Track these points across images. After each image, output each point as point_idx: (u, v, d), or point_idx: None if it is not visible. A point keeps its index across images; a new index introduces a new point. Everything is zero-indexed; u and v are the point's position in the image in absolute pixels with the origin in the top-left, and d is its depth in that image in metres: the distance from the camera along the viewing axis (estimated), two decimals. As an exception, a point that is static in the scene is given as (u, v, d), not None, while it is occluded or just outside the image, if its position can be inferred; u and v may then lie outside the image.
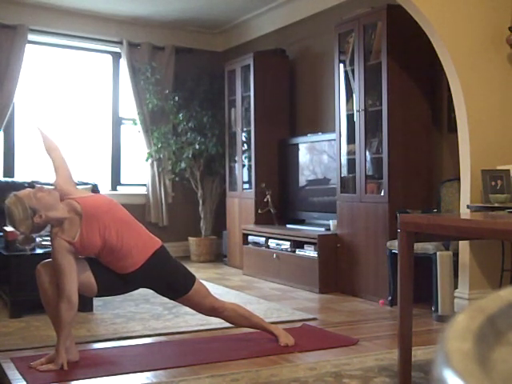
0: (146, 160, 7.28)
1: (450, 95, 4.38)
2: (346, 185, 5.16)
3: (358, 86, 4.95)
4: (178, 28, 7.53)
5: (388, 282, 4.56)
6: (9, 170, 6.79)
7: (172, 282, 3.25)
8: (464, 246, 4.18)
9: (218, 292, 5.06)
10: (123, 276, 3.16)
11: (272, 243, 5.82)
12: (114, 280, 3.17)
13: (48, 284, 3.05)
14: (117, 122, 7.43)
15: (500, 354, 0.51)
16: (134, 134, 7.37)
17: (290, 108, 6.58)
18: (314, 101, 6.31)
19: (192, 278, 3.29)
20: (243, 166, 6.67)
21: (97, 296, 3.32)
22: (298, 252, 5.42)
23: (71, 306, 2.96)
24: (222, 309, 3.35)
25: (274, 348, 3.37)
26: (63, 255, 2.99)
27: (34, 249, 4.36)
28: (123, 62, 7.26)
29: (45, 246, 4.41)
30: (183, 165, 7.12)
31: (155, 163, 7.29)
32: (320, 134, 5.84)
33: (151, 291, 5.16)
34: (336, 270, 5.17)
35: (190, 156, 7.03)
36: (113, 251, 3.09)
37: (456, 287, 4.21)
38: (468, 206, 4.07)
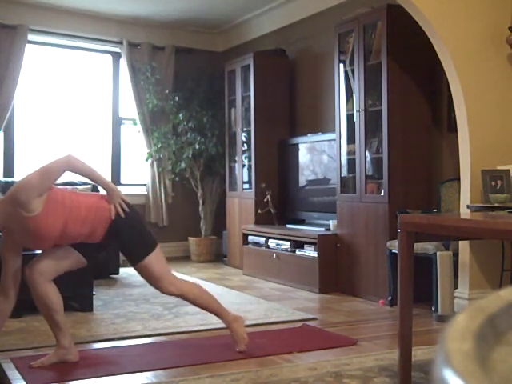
0: (146, 160, 7.28)
1: (450, 95, 4.38)
2: (346, 185, 5.16)
3: (358, 85, 4.95)
4: (177, 28, 7.53)
5: (388, 282, 4.56)
6: (9, 170, 6.79)
7: (128, 247, 3.14)
8: (464, 246, 4.18)
9: (218, 292, 5.06)
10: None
11: (272, 243, 5.82)
12: (93, 247, 3.15)
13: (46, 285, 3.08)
14: (117, 122, 7.43)
15: (500, 354, 0.51)
16: (134, 134, 7.37)
17: (290, 108, 6.58)
18: (314, 101, 6.31)
19: (148, 249, 3.12)
20: (243, 166, 6.67)
21: (88, 264, 3.22)
22: (298, 252, 5.42)
23: None
24: (178, 292, 3.21)
25: (274, 348, 3.37)
26: None
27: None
28: (123, 62, 7.26)
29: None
30: (183, 165, 7.12)
31: (155, 163, 7.29)
32: (320, 134, 5.84)
33: (150, 292, 5.17)
34: (336, 270, 5.17)
35: (190, 156, 7.03)
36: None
37: (456, 287, 4.21)
38: (468, 206, 4.07)
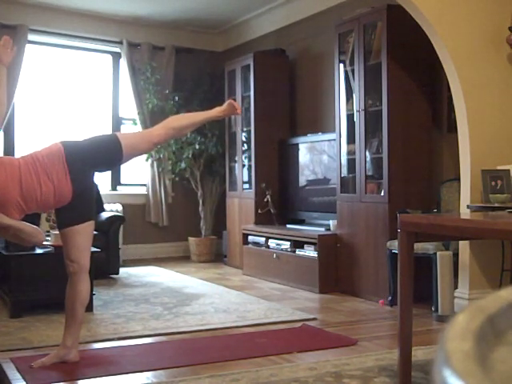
0: (146, 160, 7.28)
1: (450, 95, 4.38)
2: (346, 185, 5.16)
3: (358, 85, 4.95)
4: (178, 28, 7.53)
5: (388, 282, 4.56)
6: (9, 170, 6.78)
7: (98, 152, 3.04)
8: (464, 245, 4.18)
9: (218, 292, 5.06)
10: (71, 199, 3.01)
11: (272, 243, 5.82)
12: (73, 206, 3.01)
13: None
14: (117, 122, 7.43)
15: (500, 353, 0.51)
16: (134, 134, 7.36)
17: (290, 108, 6.58)
18: (314, 101, 6.31)
19: (116, 142, 3.05)
20: (243, 166, 6.67)
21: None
22: (298, 252, 5.42)
23: None
24: (161, 138, 3.19)
25: (273, 348, 3.37)
26: None
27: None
28: (123, 62, 7.26)
29: (45, 246, 4.41)
30: (183, 165, 7.12)
31: (155, 163, 7.29)
32: (320, 133, 5.84)
33: (150, 292, 5.16)
34: (336, 270, 5.17)
35: (190, 156, 7.03)
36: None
37: (456, 287, 4.21)
38: (468, 206, 4.07)
